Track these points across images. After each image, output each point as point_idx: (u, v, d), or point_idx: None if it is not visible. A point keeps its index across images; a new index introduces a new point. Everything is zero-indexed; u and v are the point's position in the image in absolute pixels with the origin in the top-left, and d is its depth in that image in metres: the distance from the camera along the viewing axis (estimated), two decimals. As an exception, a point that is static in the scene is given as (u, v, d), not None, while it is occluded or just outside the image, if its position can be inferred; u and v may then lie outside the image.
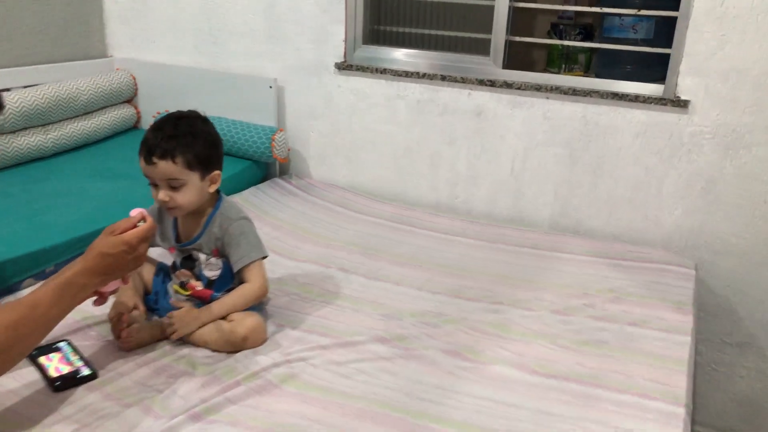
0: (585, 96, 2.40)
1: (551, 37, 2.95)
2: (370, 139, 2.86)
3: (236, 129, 2.92)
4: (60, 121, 2.98)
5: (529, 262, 2.24)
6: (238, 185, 2.82)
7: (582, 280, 2.11)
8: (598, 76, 2.60)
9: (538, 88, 2.47)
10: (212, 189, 1.68)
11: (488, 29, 2.55)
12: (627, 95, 2.35)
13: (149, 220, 1.46)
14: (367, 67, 2.75)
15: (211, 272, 1.77)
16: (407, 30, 2.76)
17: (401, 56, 2.75)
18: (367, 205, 2.73)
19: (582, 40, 2.87)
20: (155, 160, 1.56)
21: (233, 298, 1.70)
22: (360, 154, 2.91)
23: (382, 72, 2.72)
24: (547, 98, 2.48)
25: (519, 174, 2.61)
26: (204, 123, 1.70)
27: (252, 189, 2.83)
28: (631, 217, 2.48)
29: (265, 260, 1.76)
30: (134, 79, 3.33)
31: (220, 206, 1.73)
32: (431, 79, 2.64)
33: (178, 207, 1.62)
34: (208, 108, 3.08)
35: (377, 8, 2.77)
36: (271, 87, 2.94)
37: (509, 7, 2.48)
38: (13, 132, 2.76)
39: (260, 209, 2.61)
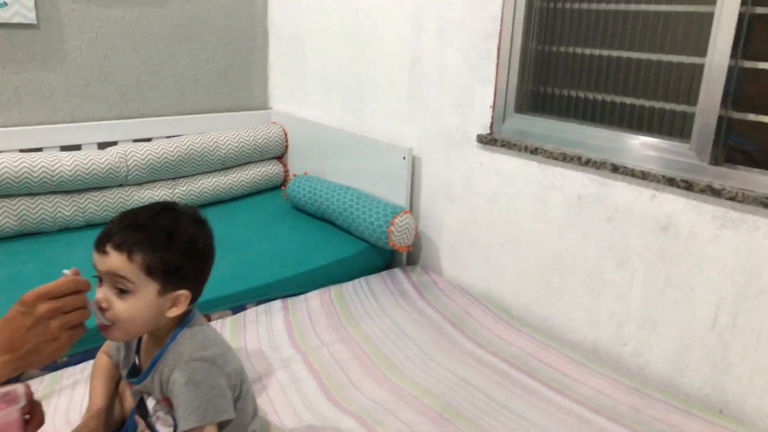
0: None
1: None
2: (513, 236, 2.11)
3: (358, 203, 2.40)
4: (194, 175, 2.78)
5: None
6: (349, 272, 2.30)
7: None
8: None
9: None
10: (171, 313, 1.16)
11: (692, 98, 1.66)
12: None
13: (67, 274, 1.06)
14: (515, 144, 2.01)
15: (164, 428, 1.24)
16: (573, 93, 1.96)
17: (561, 131, 1.96)
18: (490, 330, 1.97)
19: None
20: (108, 248, 1.11)
21: None
22: (499, 254, 2.17)
23: (533, 151, 1.97)
24: (784, 218, 1.50)
25: (725, 331, 1.63)
26: (195, 225, 1.20)
27: (361, 279, 2.28)
28: None
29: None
30: (286, 134, 3.03)
31: (178, 334, 1.20)
32: (598, 168, 1.81)
33: (115, 321, 1.12)
34: (343, 174, 2.74)
35: (542, 64, 2.02)
36: (404, 158, 2.36)
37: (732, 65, 1.56)
38: (138, 185, 2.62)
39: (347, 313, 2.04)
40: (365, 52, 2.54)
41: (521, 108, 2.07)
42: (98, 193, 2.51)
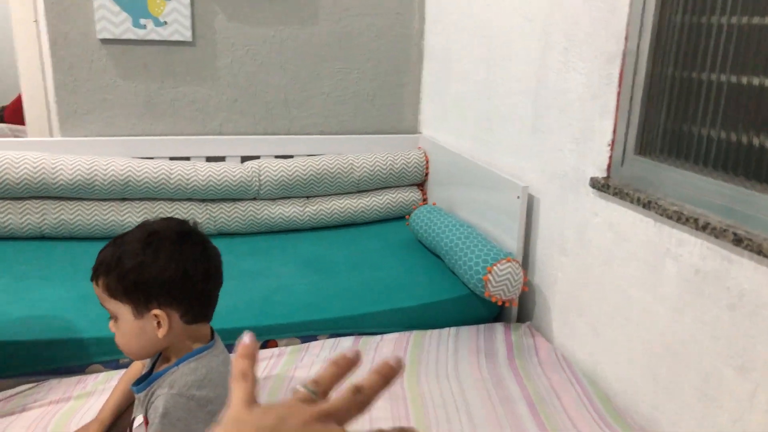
0: None
1: None
2: (623, 308, 1.68)
3: (465, 242, 2.15)
4: (327, 195, 2.77)
5: None
6: (444, 317, 2.09)
7: None
8: None
9: None
10: (161, 334, 1.13)
11: None
12: None
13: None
14: (628, 193, 1.60)
15: (142, 445, 1.20)
16: (716, 133, 1.46)
17: (681, 183, 1.50)
18: (572, 421, 1.58)
19: None
20: (92, 277, 1.17)
21: None
22: (607, 327, 1.75)
23: (646, 205, 1.54)
24: None
25: None
26: (174, 242, 1.15)
27: (452, 329, 2.04)
28: None
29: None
30: (427, 160, 2.87)
31: (182, 362, 1.16)
32: (717, 237, 1.34)
33: (121, 347, 1.18)
34: (467, 208, 2.54)
35: (678, 95, 1.56)
36: (518, 197, 2.05)
37: None
38: (271, 200, 2.68)
39: (414, 365, 1.82)
40: (496, 75, 2.28)
41: (644, 149, 1.64)
42: (231, 204, 2.62)
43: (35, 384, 1.69)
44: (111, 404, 1.44)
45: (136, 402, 1.22)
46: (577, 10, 1.81)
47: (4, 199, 2.38)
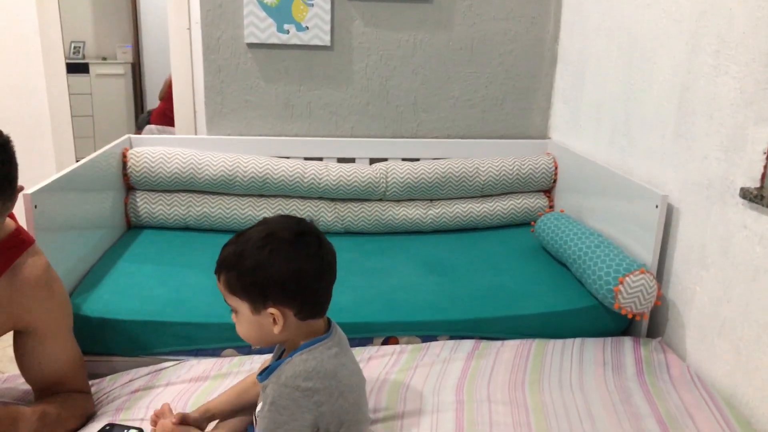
0: None
1: None
2: (773, 332, 1.55)
3: (595, 252, 2.08)
4: (451, 198, 2.78)
5: None
6: (568, 328, 2.03)
7: None
8: None
9: None
10: (276, 330, 1.19)
11: None
12: None
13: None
14: (785, 205, 1.48)
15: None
16: None
17: None
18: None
19: None
20: (215, 272, 1.25)
21: None
22: (751, 348, 1.62)
23: (806, 219, 1.41)
24: None
25: None
26: (290, 243, 1.19)
27: (577, 340, 1.98)
28: None
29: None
30: (556, 166, 2.80)
31: (295, 354, 1.21)
32: None
33: (242, 337, 1.26)
34: (597, 217, 2.48)
35: None
36: (657, 206, 1.95)
37: None
38: (396, 201, 2.73)
39: (536, 373, 1.79)
40: (637, 79, 2.18)
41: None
42: (358, 204, 2.70)
43: (178, 362, 1.83)
44: (223, 397, 1.47)
45: (261, 390, 1.27)
46: (732, 10, 1.70)
47: (155, 191, 2.60)
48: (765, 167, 1.59)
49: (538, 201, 2.83)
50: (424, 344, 1.94)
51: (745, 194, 1.61)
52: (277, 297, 1.17)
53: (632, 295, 1.89)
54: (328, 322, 1.30)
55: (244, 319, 1.21)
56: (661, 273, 2.04)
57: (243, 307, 1.20)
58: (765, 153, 1.59)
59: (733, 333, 1.69)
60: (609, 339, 1.99)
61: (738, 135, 1.68)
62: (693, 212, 1.87)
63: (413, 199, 2.75)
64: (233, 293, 1.20)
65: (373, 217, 2.69)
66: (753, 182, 1.62)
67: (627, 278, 1.90)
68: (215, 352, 1.92)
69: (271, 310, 1.18)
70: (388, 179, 2.68)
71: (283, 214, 1.30)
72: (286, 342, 1.26)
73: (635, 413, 1.62)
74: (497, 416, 1.60)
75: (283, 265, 1.16)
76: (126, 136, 2.64)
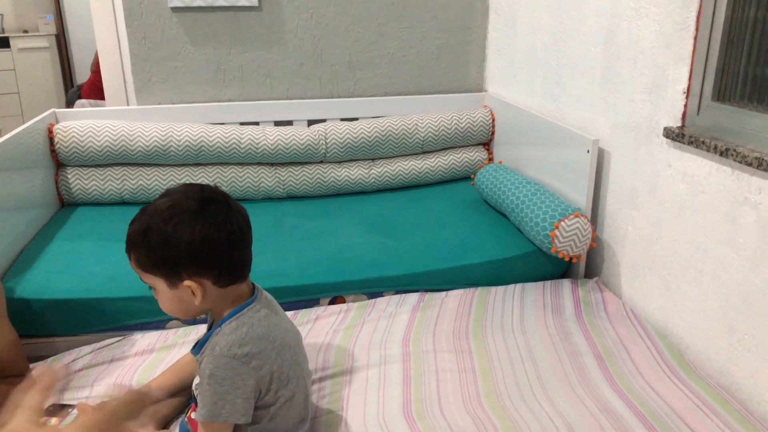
0: None
1: None
2: (697, 261, 1.63)
3: (531, 199, 2.13)
4: (392, 157, 2.78)
5: None
6: (509, 275, 2.09)
7: None
8: None
9: None
10: (197, 302, 1.16)
11: None
12: None
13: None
14: (704, 142, 1.53)
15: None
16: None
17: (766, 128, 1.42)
18: (642, 374, 1.57)
19: None
20: (126, 249, 1.19)
21: None
22: (680, 281, 1.70)
23: (724, 153, 1.47)
24: None
25: None
26: (195, 212, 1.13)
27: (517, 285, 2.03)
28: None
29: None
30: (494, 119, 2.83)
31: (224, 323, 1.19)
32: (803, 182, 1.27)
33: (167, 312, 1.22)
34: (534, 166, 2.52)
35: (764, 37, 1.47)
36: (588, 151, 2.00)
37: None
38: (337, 162, 2.72)
39: (479, 320, 1.83)
40: (565, 26, 2.20)
41: (724, 95, 1.56)
42: (299, 167, 2.67)
43: (121, 337, 1.80)
44: (162, 378, 1.46)
45: (196, 365, 1.25)
46: (649, -49, 1.73)
47: (87, 166, 2.52)
48: (685, 106, 1.64)
49: (477, 154, 2.86)
50: (370, 301, 1.96)
51: (668, 133, 1.67)
52: (191, 269, 1.14)
53: (568, 238, 1.95)
54: (252, 285, 1.27)
55: (164, 295, 1.18)
56: (595, 215, 2.10)
57: (159, 283, 1.16)
58: (685, 92, 1.64)
59: (663, 268, 1.77)
60: (549, 282, 2.05)
61: (660, 76, 1.72)
62: (623, 155, 1.92)
63: (354, 160, 2.74)
64: (146, 271, 1.15)
65: (314, 179, 2.67)
66: (675, 121, 1.68)
67: (562, 222, 1.95)
68: (159, 325, 1.90)
69: (187, 282, 1.14)
70: (328, 140, 2.66)
71: (188, 183, 1.24)
72: (212, 310, 1.23)
73: (574, 351, 1.69)
74: (443, 363, 1.64)
75: (192, 236, 1.12)
76: (51, 110, 2.53)
